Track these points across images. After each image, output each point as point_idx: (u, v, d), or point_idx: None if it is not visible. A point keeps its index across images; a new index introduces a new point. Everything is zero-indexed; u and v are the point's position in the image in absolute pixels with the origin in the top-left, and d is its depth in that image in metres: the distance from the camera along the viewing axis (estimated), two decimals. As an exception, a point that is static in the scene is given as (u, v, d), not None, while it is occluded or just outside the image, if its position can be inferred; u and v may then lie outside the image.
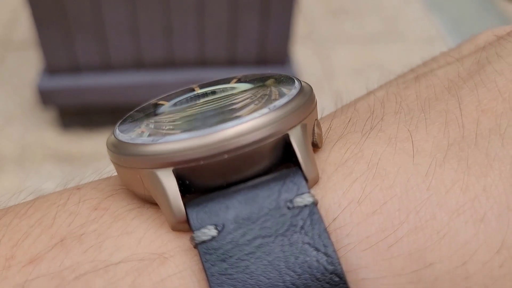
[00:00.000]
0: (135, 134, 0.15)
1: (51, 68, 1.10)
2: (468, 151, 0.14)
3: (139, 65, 1.13)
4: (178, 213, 0.14)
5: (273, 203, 0.14)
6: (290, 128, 0.14)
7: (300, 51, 1.40)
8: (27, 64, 1.34)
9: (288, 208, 0.14)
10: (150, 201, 0.15)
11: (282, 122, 0.14)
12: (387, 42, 1.55)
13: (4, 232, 0.15)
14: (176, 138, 0.14)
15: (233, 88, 0.18)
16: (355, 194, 0.14)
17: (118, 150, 0.15)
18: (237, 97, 0.16)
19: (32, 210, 0.15)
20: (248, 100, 0.15)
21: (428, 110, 0.16)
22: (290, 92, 0.16)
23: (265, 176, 0.14)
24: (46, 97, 1.13)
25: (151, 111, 0.17)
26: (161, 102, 0.18)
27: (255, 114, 0.14)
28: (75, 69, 1.12)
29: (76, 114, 1.19)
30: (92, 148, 1.17)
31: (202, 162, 0.14)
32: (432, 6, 1.72)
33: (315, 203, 0.14)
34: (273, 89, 0.16)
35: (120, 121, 0.16)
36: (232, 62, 1.15)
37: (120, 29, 1.07)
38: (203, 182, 0.14)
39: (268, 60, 1.15)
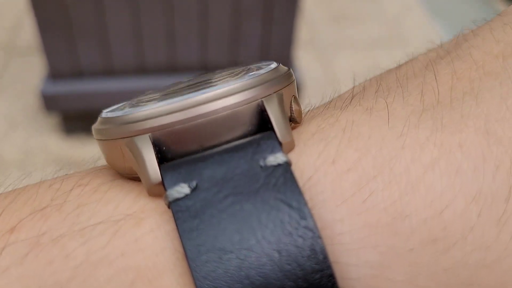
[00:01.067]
0: (117, 110, 0.15)
1: (54, 74, 1.11)
2: (443, 113, 0.15)
3: (141, 70, 1.13)
4: (153, 174, 0.14)
5: (247, 163, 0.14)
6: (265, 97, 0.15)
7: (302, 56, 1.40)
8: (31, 70, 1.35)
9: (261, 167, 0.14)
10: (131, 177, 0.15)
11: (257, 89, 0.15)
12: (389, 47, 1.56)
13: None
14: (152, 106, 0.14)
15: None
16: (329, 154, 0.14)
17: (100, 125, 0.15)
18: (216, 75, 0.17)
19: (18, 190, 0.16)
20: (227, 78, 0.16)
21: (406, 85, 0.16)
22: (267, 68, 0.16)
23: (240, 140, 0.15)
24: (49, 103, 1.13)
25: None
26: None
27: (231, 83, 0.15)
28: (78, 74, 1.13)
29: (79, 119, 1.20)
30: (95, 154, 1.17)
31: (177, 127, 0.14)
32: (433, 12, 1.72)
33: (288, 163, 0.14)
34: (252, 67, 0.17)
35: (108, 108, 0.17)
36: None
37: (123, 35, 1.07)
38: (179, 148, 0.15)
39: (270, 66, 1.15)
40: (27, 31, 1.45)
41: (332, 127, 0.15)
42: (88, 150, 1.18)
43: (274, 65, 0.17)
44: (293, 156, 0.14)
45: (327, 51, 1.53)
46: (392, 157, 0.14)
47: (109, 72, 1.13)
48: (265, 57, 1.14)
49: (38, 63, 1.30)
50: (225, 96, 0.14)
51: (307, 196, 0.14)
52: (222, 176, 0.14)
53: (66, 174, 0.17)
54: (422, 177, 0.13)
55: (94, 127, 0.16)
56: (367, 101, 0.16)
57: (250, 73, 0.15)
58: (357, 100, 0.17)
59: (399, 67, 0.19)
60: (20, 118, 1.26)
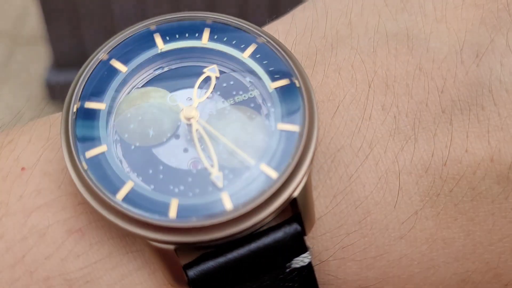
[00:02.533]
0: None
1: (59, 63, 1.10)
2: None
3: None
4: (179, 278, 0.19)
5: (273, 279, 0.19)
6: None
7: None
8: (36, 59, 1.35)
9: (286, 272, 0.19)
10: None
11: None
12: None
13: None
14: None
15: (203, 50, 0.21)
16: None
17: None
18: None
19: None
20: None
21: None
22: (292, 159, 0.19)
23: (265, 238, 0.19)
24: (54, 92, 1.12)
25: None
26: (117, 65, 0.21)
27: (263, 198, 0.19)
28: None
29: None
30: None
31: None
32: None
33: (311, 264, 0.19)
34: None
35: None
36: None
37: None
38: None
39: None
40: (32, 20, 1.45)
41: None
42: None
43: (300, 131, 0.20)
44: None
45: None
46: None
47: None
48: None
49: (43, 52, 1.30)
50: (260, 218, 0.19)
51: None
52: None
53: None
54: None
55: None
56: None
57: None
58: None
59: None
60: (25, 107, 1.26)
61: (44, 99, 1.24)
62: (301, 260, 0.19)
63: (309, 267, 0.19)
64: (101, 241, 0.19)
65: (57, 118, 0.22)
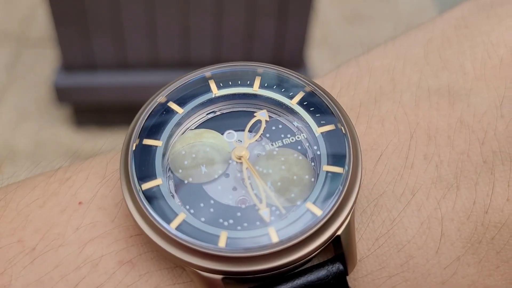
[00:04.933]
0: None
1: (67, 66, 1.11)
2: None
3: (155, 64, 1.13)
4: None
5: None
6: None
7: (315, 55, 1.39)
8: (43, 61, 1.35)
9: None
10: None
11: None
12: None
13: None
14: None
15: (254, 96, 0.23)
16: None
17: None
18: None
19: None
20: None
21: None
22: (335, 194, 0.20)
23: (309, 275, 0.20)
24: (61, 94, 1.13)
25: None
26: (174, 107, 0.22)
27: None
28: (92, 67, 1.12)
29: (91, 112, 1.20)
30: (106, 146, 1.17)
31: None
32: (447, 13, 1.71)
33: None
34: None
35: None
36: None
37: (138, 29, 1.07)
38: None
39: (283, 63, 1.14)
40: (40, 22, 1.45)
41: None
42: (99, 143, 1.18)
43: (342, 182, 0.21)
44: None
45: (340, 51, 1.52)
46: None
47: (122, 65, 1.12)
48: (279, 55, 1.14)
49: (51, 54, 1.30)
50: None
51: None
52: None
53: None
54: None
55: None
56: None
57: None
58: None
59: None
60: (32, 109, 1.26)
61: (51, 102, 1.24)
62: None
63: None
64: (149, 272, 0.20)
65: (113, 157, 0.23)
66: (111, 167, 0.23)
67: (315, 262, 0.20)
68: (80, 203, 0.22)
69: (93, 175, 0.23)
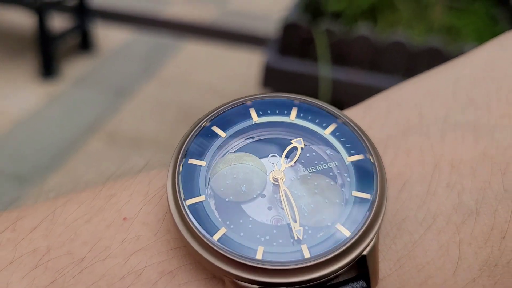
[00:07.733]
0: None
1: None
2: None
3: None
4: None
5: None
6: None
7: None
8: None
9: None
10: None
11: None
12: None
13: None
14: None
15: (291, 125, 0.25)
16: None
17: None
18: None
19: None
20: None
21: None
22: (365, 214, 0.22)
23: None
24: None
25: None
26: (217, 131, 0.25)
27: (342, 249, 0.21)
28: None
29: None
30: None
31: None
32: None
33: None
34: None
35: None
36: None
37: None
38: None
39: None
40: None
41: None
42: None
43: (371, 199, 0.23)
44: None
45: None
46: None
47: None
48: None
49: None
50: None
51: None
52: None
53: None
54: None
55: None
56: None
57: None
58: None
59: None
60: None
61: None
62: None
63: None
64: (188, 282, 0.22)
65: (155, 175, 0.26)
66: (154, 185, 0.25)
67: (341, 279, 0.22)
68: (124, 218, 0.24)
69: (136, 193, 0.25)
